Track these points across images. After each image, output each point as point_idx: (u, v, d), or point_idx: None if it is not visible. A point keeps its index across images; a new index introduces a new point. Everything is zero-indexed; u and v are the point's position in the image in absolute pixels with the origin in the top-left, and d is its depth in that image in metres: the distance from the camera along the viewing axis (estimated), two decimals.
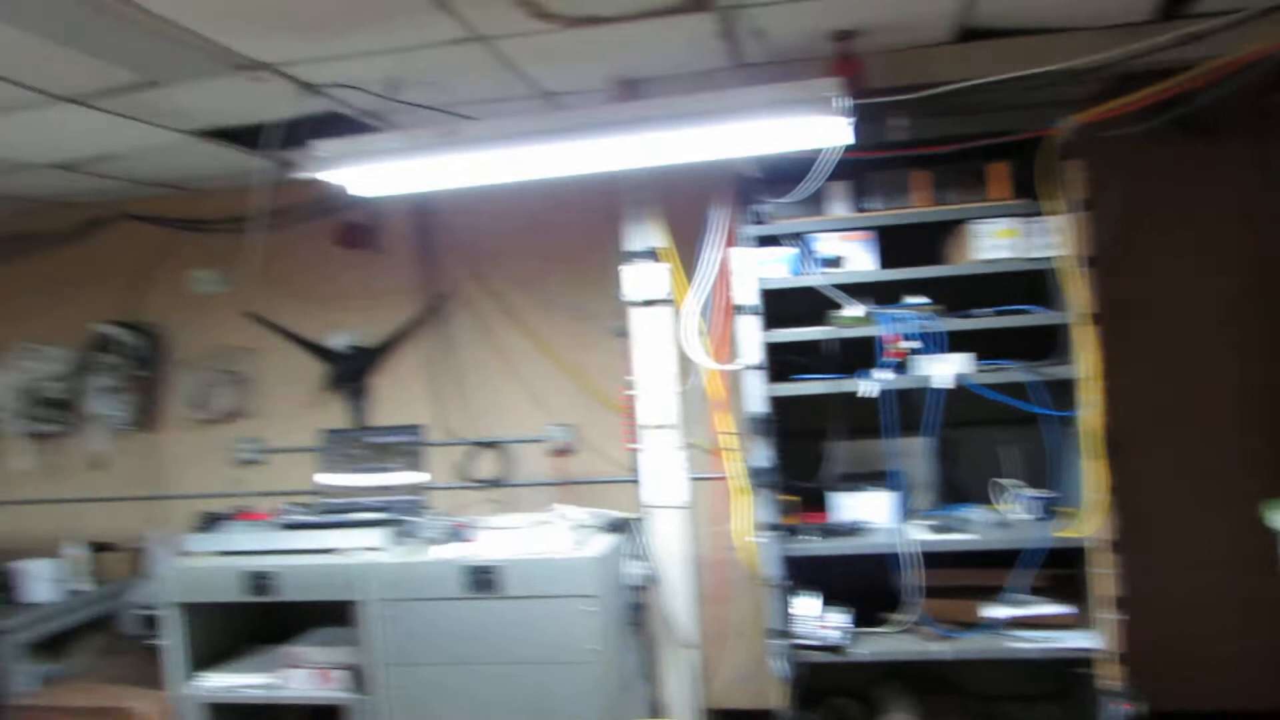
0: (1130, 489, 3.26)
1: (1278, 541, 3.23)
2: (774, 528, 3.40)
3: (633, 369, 3.71)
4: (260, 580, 3.46)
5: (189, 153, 4.03)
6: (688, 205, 3.57)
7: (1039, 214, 3.25)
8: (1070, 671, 3.38)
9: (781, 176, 3.34)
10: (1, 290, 5.14)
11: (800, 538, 3.41)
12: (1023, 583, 3.31)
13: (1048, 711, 3.69)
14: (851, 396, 3.36)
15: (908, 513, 3.58)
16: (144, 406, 4.95)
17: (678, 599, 3.70)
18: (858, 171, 3.39)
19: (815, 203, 3.43)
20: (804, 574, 3.46)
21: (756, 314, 3.41)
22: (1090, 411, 3.19)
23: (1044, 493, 3.46)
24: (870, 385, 3.33)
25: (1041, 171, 3.21)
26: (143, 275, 4.96)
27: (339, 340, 4.68)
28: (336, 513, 3.81)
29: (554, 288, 4.45)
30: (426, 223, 4.59)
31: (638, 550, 3.63)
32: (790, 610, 3.38)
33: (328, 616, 3.66)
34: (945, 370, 3.29)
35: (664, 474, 3.69)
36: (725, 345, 3.62)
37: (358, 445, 4.05)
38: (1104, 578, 3.17)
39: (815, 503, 3.61)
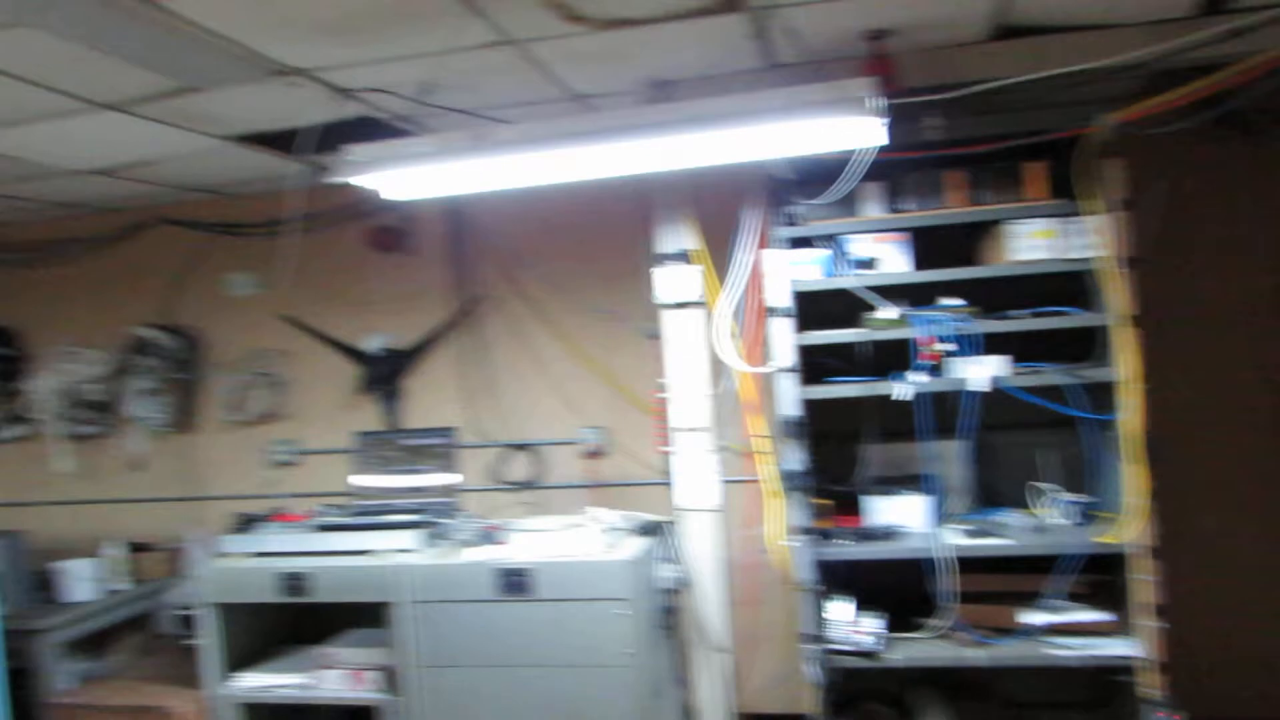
0: (1171, 494, 3.19)
1: None
2: (807, 531, 3.37)
3: (665, 371, 3.70)
4: (294, 581, 3.48)
5: (225, 158, 4.08)
6: (720, 207, 3.55)
7: (1077, 214, 3.20)
8: (1109, 680, 3.32)
9: (814, 178, 3.31)
10: (44, 294, 5.22)
11: (834, 542, 3.39)
12: (1060, 589, 3.26)
13: None
14: (885, 399, 3.33)
15: (943, 517, 3.54)
16: (181, 408, 5.01)
17: (710, 603, 3.68)
18: (892, 172, 3.35)
19: (848, 204, 3.40)
20: (837, 578, 3.43)
21: (789, 316, 3.38)
22: (1130, 415, 3.14)
23: (1082, 497, 3.41)
24: (905, 388, 3.29)
25: (1079, 171, 3.17)
26: (180, 279, 5.02)
27: (372, 343, 4.71)
28: (370, 514, 3.83)
29: (586, 290, 4.45)
30: (459, 226, 4.61)
31: (670, 553, 3.62)
32: (823, 615, 3.35)
33: (361, 617, 3.68)
34: (981, 373, 3.25)
35: (696, 477, 3.67)
36: (758, 348, 3.60)
37: (391, 447, 4.08)
38: (1144, 584, 3.12)
39: (849, 506, 3.58)
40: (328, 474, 4.39)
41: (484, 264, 4.60)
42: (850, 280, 3.37)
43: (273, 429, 4.84)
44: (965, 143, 3.22)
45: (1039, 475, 3.61)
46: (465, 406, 4.60)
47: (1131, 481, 3.14)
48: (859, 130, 2.76)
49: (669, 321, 3.67)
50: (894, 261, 3.38)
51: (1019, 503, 3.60)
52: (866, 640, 3.31)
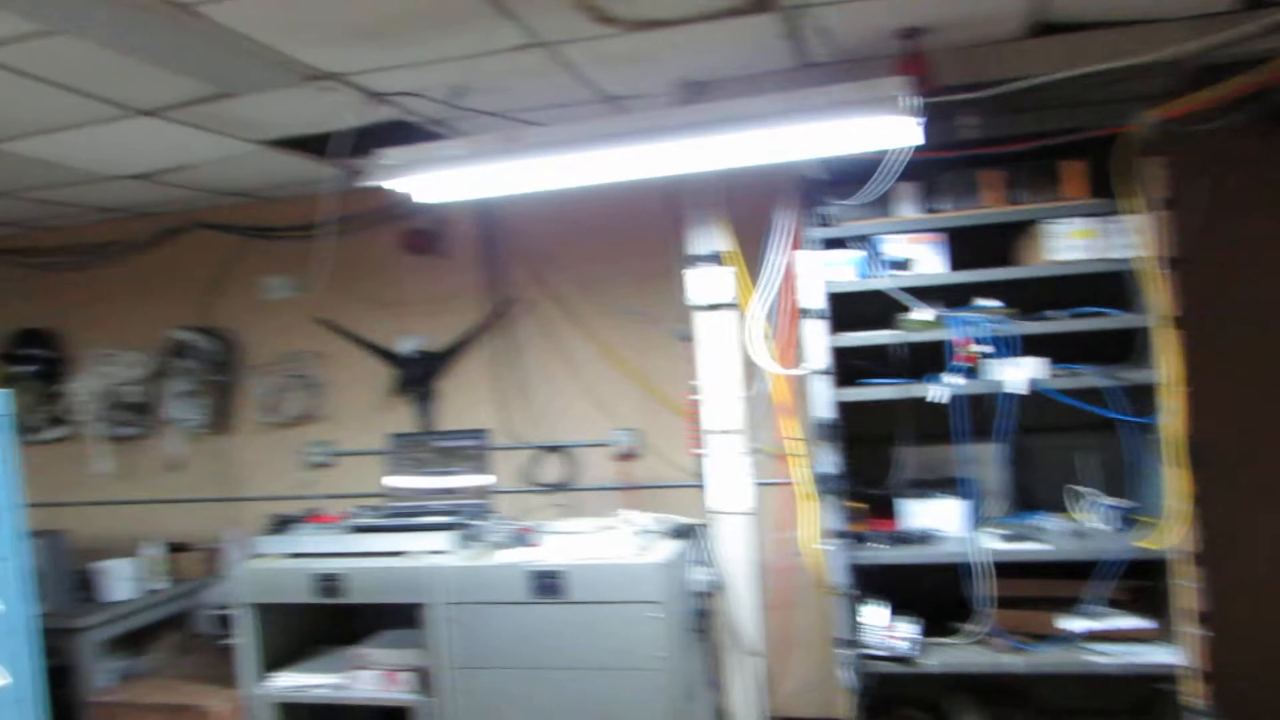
0: (1213, 498, 3.13)
1: None
2: (841, 535, 3.34)
3: (697, 373, 3.68)
4: (329, 582, 3.50)
5: (260, 162, 4.11)
6: (752, 208, 3.53)
7: (1116, 213, 3.15)
8: (1150, 688, 3.27)
9: (848, 178, 3.29)
10: (83, 297, 5.30)
11: (868, 545, 3.35)
12: (1100, 595, 3.21)
13: None
14: (921, 401, 3.29)
15: (979, 521, 3.49)
16: (218, 410, 5.06)
17: (743, 606, 3.66)
18: (926, 172, 3.32)
19: (883, 204, 3.37)
20: (871, 582, 3.40)
21: (823, 318, 3.36)
22: (1171, 418, 3.08)
23: (1122, 502, 3.36)
24: (940, 390, 3.25)
25: (1119, 169, 3.12)
26: (217, 282, 5.07)
27: (406, 345, 4.73)
28: (404, 516, 3.85)
29: (618, 292, 4.44)
30: (491, 228, 4.62)
31: (703, 556, 3.60)
32: (858, 619, 3.32)
33: (395, 618, 3.69)
34: (1018, 375, 3.21)
35: (729, 479, 3.65)
36: (791, 349, 3.57)
37: (424, 449, 4.09)
38: (1186, 590, 3.06)
39: (883, 510, 3.54)
40: (362, 475, 4.42)
41: (516, 266, 4.61)
42: (885, 281, 3.34)
43: (308, 430, 4.88)
44: (1001, 141, 3.18)
45: (1078, 479, 3.56)
46: (498, 408, 4.61)
47: (1173, 486, 3.08)
48: (893, 130, 2.73)
49: (701, 323, 3.66)
50: (929, 262, 3.34)
51: (1057, 507, 3.55)
52: (901, 645, 3.27)
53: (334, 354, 4.88)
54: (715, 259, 3.59)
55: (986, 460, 3.59)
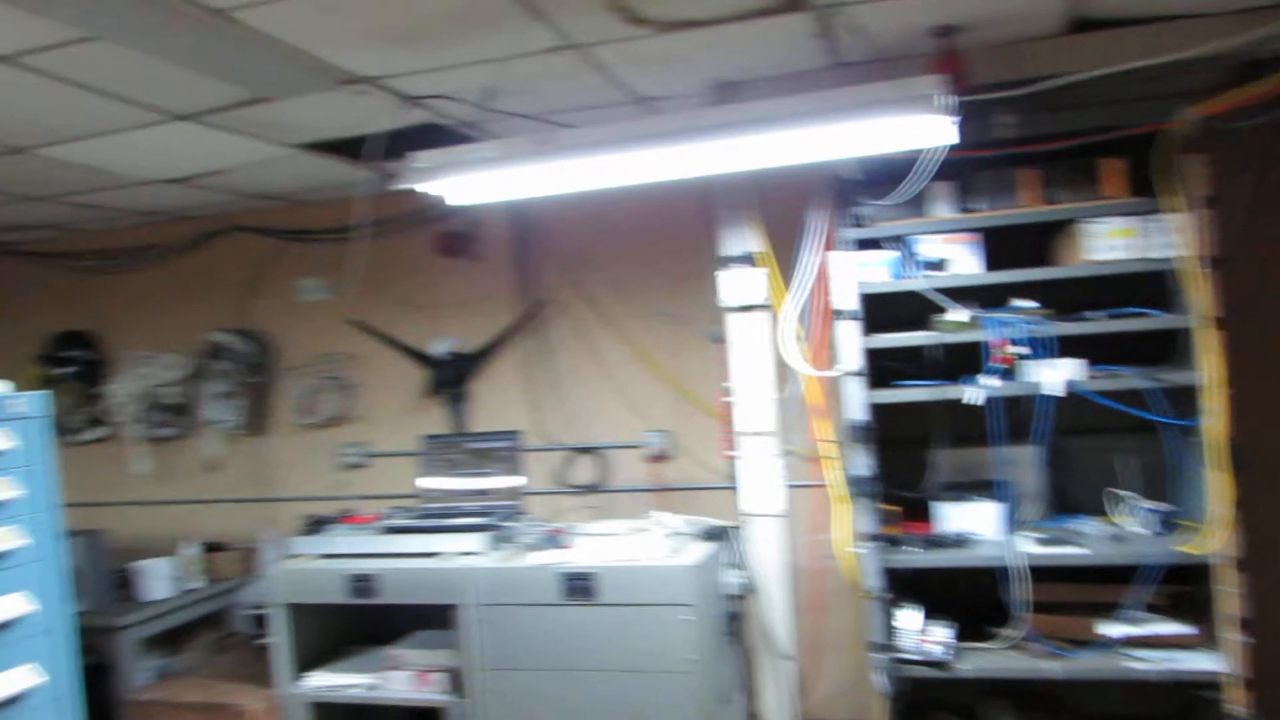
0: (1255, 502, 3.07)
1: None
2: (875, 538, 3.32)
3: (730, 375, 3.67)
4: (362, 582, 3.52)
5: (295, 166, 4.15)
6: (785, 209, 3.51)
7: (1157, 212, 3.10)
8: (1191, 695, 3.21)
9: (882, 178, 3.26)
10: (123, 299, 5.37)
11: (902, 549, 3.32)
12: (1139, 600, 3.16)
13: None
14: (956, 403, 3.26)
15: (1015, 524, 3.45)
16: (254, 411, 5.11)
17: (775, 609, 3.64)
18: (961, 171, 3.28)
19: (917, 204, 3.34)
20: (905, 586, 3.37)
21: (856, 319, 3.33)
22: (1213, 420, 3.03)
23: (1162, 505, 3.30)
24: (976, 392, 3.22)
25: (1160, 167, 3.07)
26: (253, 284, 5.12)
27: (439, 346, 4.75)
28: (436, 517, 3.86)
29: (650, 293, 4.43)
30: (524, 230, 4.63)
31: (735, 559, 3.59)
32: (891, 623, 3.29)
33: (427, 619, 3.71)
34: (1055, 376, 3.16)
35: (761, 481, 3.64)
36: (824, 351, 3.55)
37: (457, 450, 4.11)
38: (1228, 596, 3.01)
39: (917, 513, 3.51)
40: (395, 476, 4.44)
41: (548, 268, 4.61)
42: (919, 282, 3.31)
43: (342, 432, 4.91)
44: (1038, 140, 3.14)
45: (1117, 482, 3.51)
46: (530, 410, 4.61)
47: (1215, 489, 3.03)
48: (927, 129, 2.70)
49: (734, 325, 3.65)
50: (964, 263, 3.31)
51: (1095, 510, 3.50)
52: (936, 650, 3.24)
53: (368, 356, 4.91)
54: (748, 260, 3.58)
55: (1023, 463, 3.54)
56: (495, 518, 3.73)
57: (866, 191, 3.36)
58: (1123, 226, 3.13)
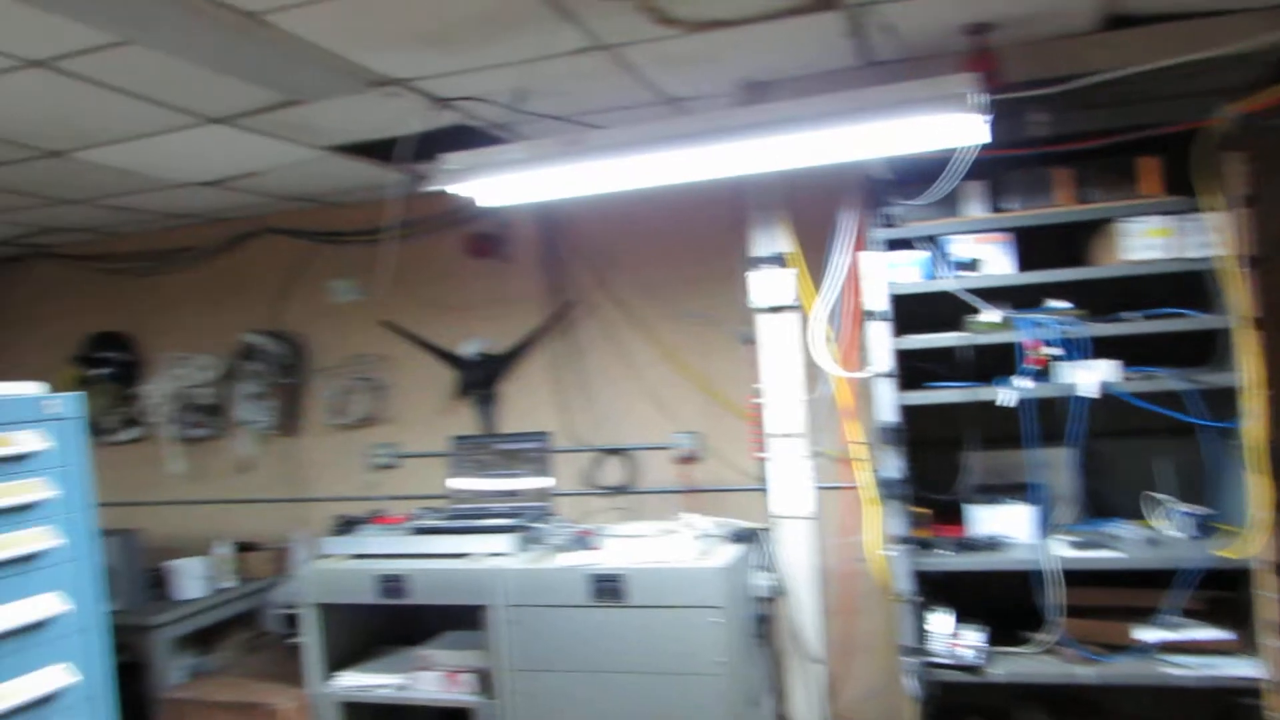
0: None
1: None
2: (905, 540, 3.29)
3: (760, 376, 3.65)
4: (392, 583, 3.54)
5: (327, 168, 4.18)
6: (815, 209, 3.49)
7: (1195, 211, 3.05)
8: (1230, 701, 3.16)
9: (913, 177, 3.23)
10: (157, 301, 5.43)
11: (933, 551, 3.29)
12: (1176, 605, 3.11)
13: None
14: (988, 405, 3.22)
15: (1049, 527, 3.41)
16: (286, 412, 5.14)
17: (804, 612, 3.62)
18: (994, 170, 3.25)
19: (949, 204, 3.31)
20: (937, 589, 3.34)
21: (887, 320, 3.31)
22: (1252, 422, 2.98)
23: (1200, 509, 3.25)
24: (1009, 394, 3.18)
25: (1198, 165, 3.02)
26: (285, 286, 5.16)
27: (469, 348, 4.76)
28: (466, 518, 3.88)
29: (679, 294, 4.42)
30: (553, 231, 4.63)
31: (764, 561, 3.57)
32: (923, 626, 3.26)
33: (456, 619, 3.72)
34: (1090, 378, 3.12)
35: (791, 483, 3.62)
36: (854, 352, 3.53)
37: (486, 451, 4.12)
38: (1268, 602, 2.95)
39: (949, 515, 3.47)
40: (426, 477, 4.46)
41: (577, 269, 4.61)
42: (951, 282, 3.28)
43: (373, 432, 4.94)
44: (1073, 138, 3.10)
45: (1153, 485, 3.46)
46: (559, 411, 4.62)
47: (1254, 493, 2.97)
48: (960, 128, 2.68)
49: (764, 326, 3.63)
50: (997, 263, 3.27)
51: (1131, 514, 3.45)
52: (968, 654, 3.21)
53: (398, 357, 4.93)
54: (778, 261, 3.56)
55: (1057, 465, 3.50)
56: (524, 519, 3.74)
57: (897, 191, 3.33)
58: (1159, 226, 3.09)
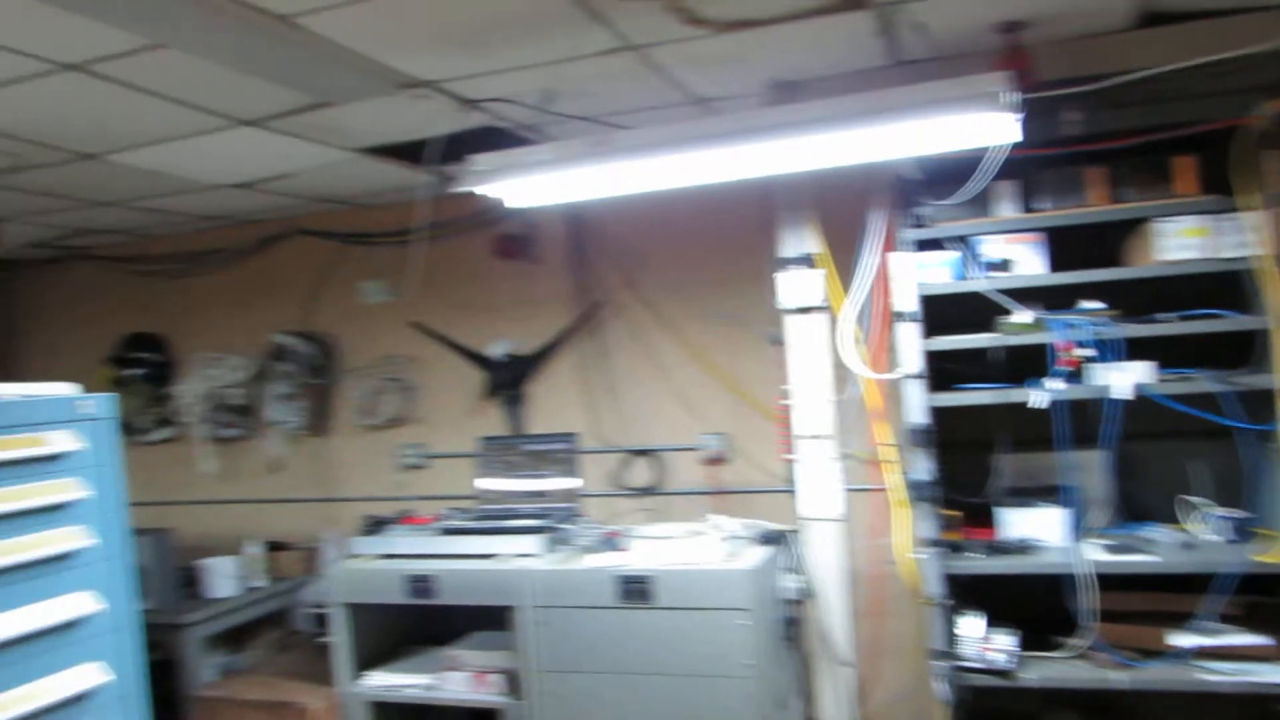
0: None
1: None
2: (935, 543, 3.26)
3: (788, 377, 3.63)
4: (421, 583, 3.55)
5: (357, 169, 4.20)
6: (844, 209, 3.47)
7: (1232, 210, 3.00)
8: (1268, 709, 3.10)
9: (943, 177, 3.21)
10: (190, 303, 5.49)
11: (964, 554, 3.26)
12: (1212, 610, 3.06)
13: None
14: (1019, 407, 3.18)
15: (1082, 531, 3.37)
16: (316, 412, 5.18)
17: (833, 614, 3.60)
18: (1026, 170, 3.22)
19: (980, 204, 3.28)
20: (967, 592, 3.30)
21: (916, 321, 3.28)
22: None
23: (1237, 512, 3.20)
24: (1041, 395, 3.15)
25: (1236, 164, 2.97)
26: (315, 287, 5.20)
27: (497, 349, 4.78)
28: (494, 519, 3.88)
29: (708, 294, 4.41)
30: (581, 232, 4.64)
31: (793, 563, 3.55)
32: (953, 630, 3.23)
33: (484, 620, 3.72)
34: (1124, 380, 3.08)
35: (820, 485, 3.60)
36: (883, 353, 3.50)
37: (514, 452, 4.12)
38: None
39: (980, 518, 3.44)
40: (454, 477, 4.47)
41: (605, 269, 4.61)
42: (981, 283, 3.25)
43: (402, 433, 4.96)
44: (1106, 137, 3.06)
45: (1189, 488, 3.41)
46: (587, 412, 4.62)
47: None
48: (991, 127, 2.66)
49: (792, 326, 3.61)
50: (1028, 263, 3.24)
51: (1166, 517, 3.40)
52: (999, 658, 3.17)
53: (427, 358, 4.95)
54: (806, 261, 3.55)
55: (1090, 468, 3.46)
56: (552, 520, 3.74)
57: (927, 191, 3.31)
58: (1195, 225, 3.04)
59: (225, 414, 5.25)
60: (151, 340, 5.57)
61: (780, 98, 3.38)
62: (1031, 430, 3.30)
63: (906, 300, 3.29)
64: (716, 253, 4.38)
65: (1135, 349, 3.09)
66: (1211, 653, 3.05)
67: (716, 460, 4.16)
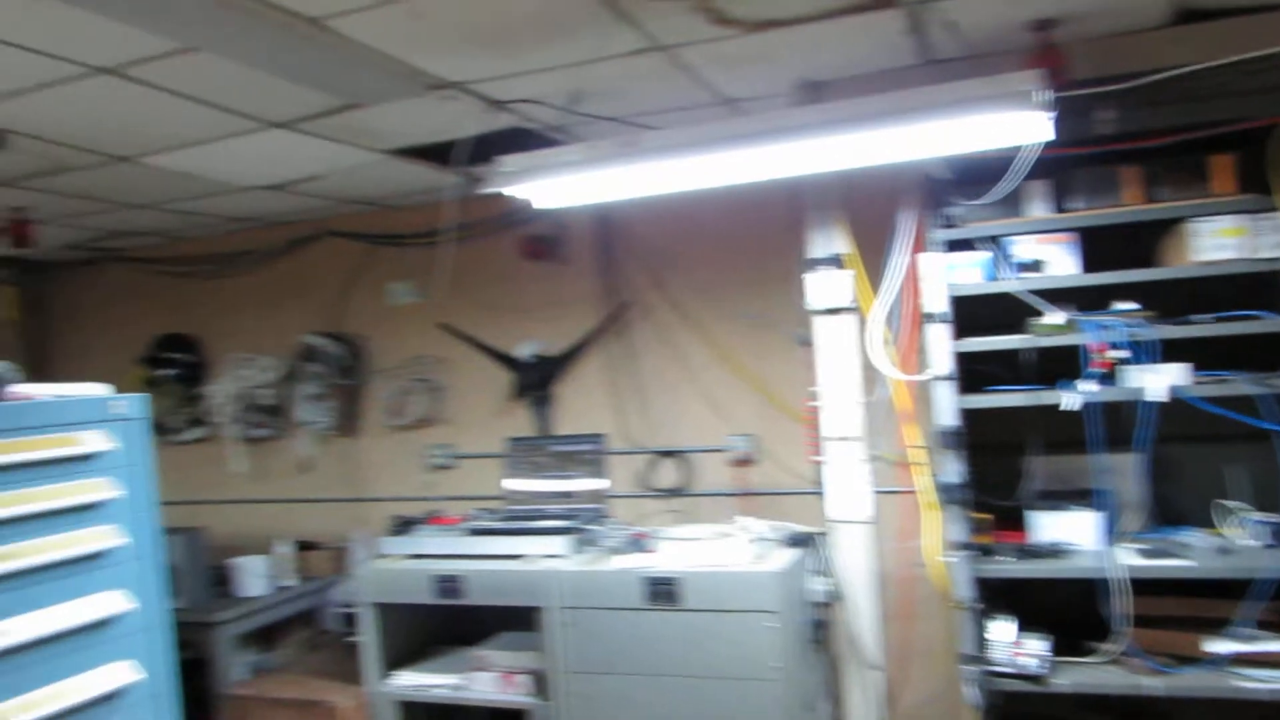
0: None
1: None
2: (966, 546, 3.23)
3: (816, 379, 3.61)
4: (448, 583, 3.56)
5: (386, 171, 4.22)
6: (873, 209, 3.45)
7: (1270, 210, 2.95)
8: None
9: (974, 177, 3.17)
10: (221, 304, 5.54)
11: (995, 558, 3.23)
12: (1249, 616, 3.01)
13: None
14: (1051, 409, 3.15)
15: (1115, 535, 3.32)
16: (345, 413, 5.21)
17: (862, 617, 3.57)
18: (1058, 169, 3.18)
19: (1011, 204, 3.24)
20: (998, 596, 3.27)
21: (947, 322, 3.25)
22: None
23: (1275, 517, 3.14)
24: (1073, 397, 3.11)
25: (1274, 162, 2.92)
26: (344, 288, 5.23)
27: (524, 349, 4.79)
28: (521, 519, 3.88)
29: (735, 295, 4.40)
30: (608, 232, 4.63)
31: (821, 565, 3.53)
32: (983, 634, 3.20)
33: (512, 620, 3.73)
34: (1159, 382, 3.04)
35: (848, 487, 3.57)
36: (913, 354, 3.47)
37: (542, 453, 4.13)
38: None
39: (1011, 521, 3.40)
40: (482, 478, 4.48)
41: (632, 270, 4.61)
42: (1012, 284, 3.21)
43: (430, 433, 4.98)
44: (1141, 136, 3.01)
45: (1225, 492, 3.35)
46: (614, 413, 4.62)
47: None
48: (1023, 126, 2.62)
49: (820, 327, 3.59)
50: (1061, 264, 3.20)
51: (1201, 522, 3.35)
52: (1030, 663, 3.14)
53: (455, 359, 4.97)
54: (835, 262, 3.52)
55: (1123, 471, 3.41)
56: (579, 521, 3.74)
57: (958, 191, 3.27)
58: (1232, 225, 2.99)
59: (256, 414, 5.29)
60: (184, 341, 5.62)
61: (809, 98, 3.36)
62: (1064, 433, 3.25)
63: (936, 301, 3.26)
64: (745, 253, 4.36)
65: (1170, 350, 3.04)
66: (1249, 659, 3.00)
67: (744, 462, 4.14)
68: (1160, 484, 3.44)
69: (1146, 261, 3.22)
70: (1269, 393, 2.97)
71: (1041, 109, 2.49)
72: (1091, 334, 3.10)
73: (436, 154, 3.92)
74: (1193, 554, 3.09)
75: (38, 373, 5.01)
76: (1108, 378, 3.10)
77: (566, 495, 3.99)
